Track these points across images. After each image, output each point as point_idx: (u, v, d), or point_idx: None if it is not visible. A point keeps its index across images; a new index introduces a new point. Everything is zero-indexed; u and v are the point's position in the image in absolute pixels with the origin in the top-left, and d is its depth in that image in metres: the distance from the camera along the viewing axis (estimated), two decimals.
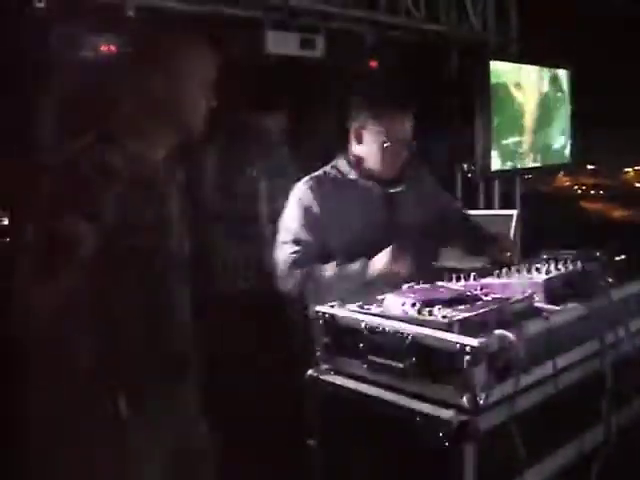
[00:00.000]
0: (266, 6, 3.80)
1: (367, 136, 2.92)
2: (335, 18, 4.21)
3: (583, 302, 2.35)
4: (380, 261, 2.68)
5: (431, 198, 3.14)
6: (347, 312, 2.20)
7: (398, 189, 2.99)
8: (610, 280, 2.52)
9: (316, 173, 3.01)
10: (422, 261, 2.77)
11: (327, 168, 3.02)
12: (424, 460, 1.98)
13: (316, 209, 2.86)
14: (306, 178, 2.98)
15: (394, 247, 2.68)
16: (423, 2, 5.01)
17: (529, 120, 5.63)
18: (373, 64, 4.41)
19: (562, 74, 6.07)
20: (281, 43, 3.72)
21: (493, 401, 1.95)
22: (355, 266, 2.72)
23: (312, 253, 2.80)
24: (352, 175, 2.95)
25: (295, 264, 2.78)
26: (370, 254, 2.73)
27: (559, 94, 6.03)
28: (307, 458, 2.28)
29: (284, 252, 2.82)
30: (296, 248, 2.81)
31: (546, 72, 5.84)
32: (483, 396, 1.91)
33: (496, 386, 1.95)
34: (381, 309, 2.16)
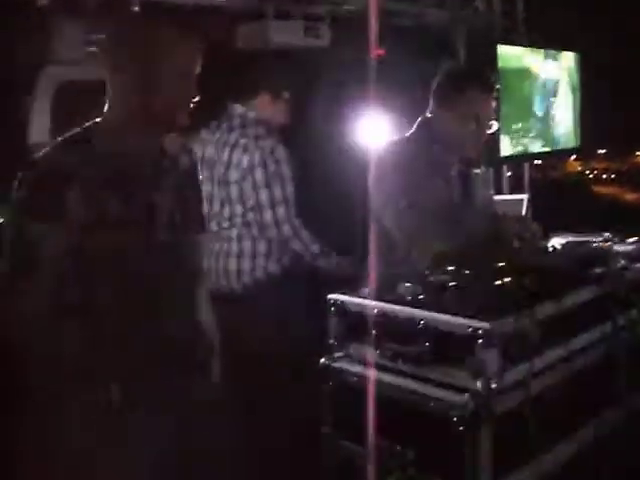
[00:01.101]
0: None
1: (452, 111, 2.86)
2: (339, 6, 4.18)
3: (597, 284, 2.34)
4: None
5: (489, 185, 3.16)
6: (359, 299, 2.19)
7: (474, 171, 2.99)
8: (623, 262, 2.52)
9: (400, 137, 2.97)
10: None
11: (407, 135, 2.96)
12: (439, 445, 1.98)
13: (414, 171, 2.76)
14: (398, 139, 2.95)
15: None
16: None
17: (538, 104, 5.59)
18: (380, 52, 4.39)
19: (571, 57, 6.03)
20: (285, 32, 3.71)
21: (507, 385, 1.94)
22: None
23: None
24: (434, 148, 2.87)
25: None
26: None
27: (568, 78, 5.99)
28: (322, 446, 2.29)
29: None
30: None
31: (554, 55, 5.80)
32: (497, 380, 1.90)
33: (510, 369, 1.95)
34: (393, 295, 2.16)
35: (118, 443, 1.96)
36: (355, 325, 2.17)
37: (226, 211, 3.37)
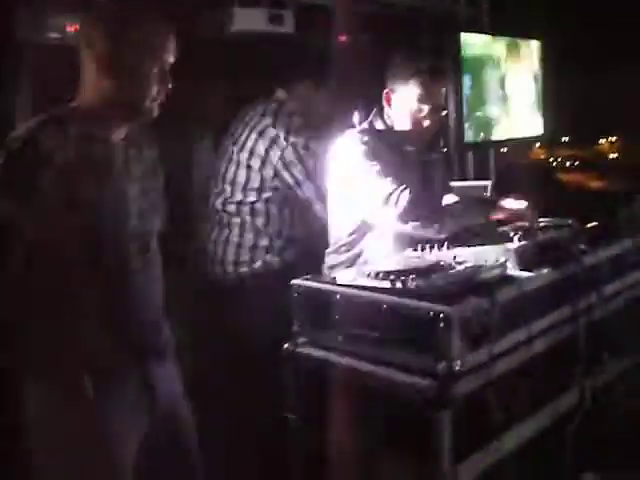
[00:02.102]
0: None
1: (399, 99, 2.88)
2: None
3: (555, 268, 2.38)
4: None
5: (446, 165, 3.18)
6: (322, 284, 2.21)
7: (432, 157, 3.00)
8: (582, 246, 2.55)
9: (360, 128, 2.96)
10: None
11: (365, 125, 2.97)
12: (403, 428, 2.00)
13: (378, 159, 2.78)
14: (355, 131, 2.93)
15: None
16: None
17: (501, 92, 5.63)
18: (343, 38, 4.40)
19: (534, 45, 6.08)
20: (248, 19, 3.70)
21: (468, 367, 1.97)
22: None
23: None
24: (390, 136, 2.90)
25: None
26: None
27: (531, 65, 6.04)
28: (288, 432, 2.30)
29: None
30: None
31: (518, 43, 5.85)
32: (458, 363, 1.93)
33: (471, 353, 1.98)
34: (356, 280, 2.17)
35: (89, 430, 1.96)
36: (318, 310, 2.19)
37: (236, 194, 3.35)
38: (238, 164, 3.34)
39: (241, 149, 3.34)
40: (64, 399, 1.94)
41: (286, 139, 3.27)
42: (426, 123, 2.89)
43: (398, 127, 2.92)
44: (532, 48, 6.07)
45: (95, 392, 1.94)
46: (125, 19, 2.02)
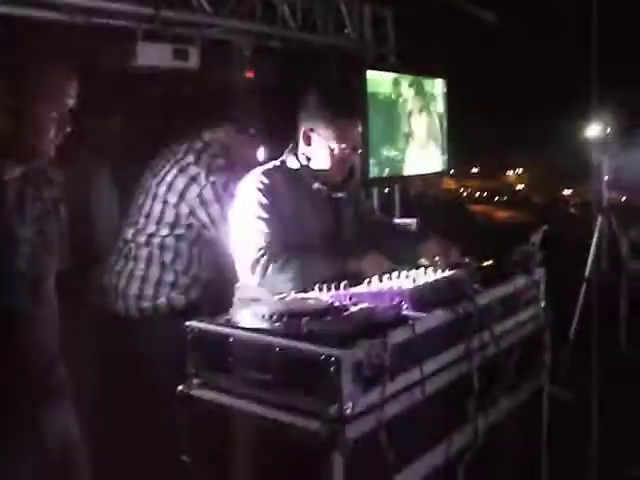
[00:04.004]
0: (138, 16, 3.75)
1: (318, 139, 2.89)
2: (210, 28, 4.20)
3: (449, 308, 2.42)
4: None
5: (361, 204, 3.21)
6: (214, 326, 2.19)
7: (343, 194, 3.03)
8: (476, 286, 2.61)
9: (267, 167, 2.96)
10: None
11: (276, 163, 2.98)
12: (297, 471, 2.00)
13: (272, 202, 2.81)
14: (259, 171, 2.93)
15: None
16: (300, 12, 5.06)
17: (407, 129, 5.75)
18: (250, 74, 4.43)
19: (439, 83, 6.24)
20: (153, 54, 3.69)
21: (361, 410, 1.98)
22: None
23: (276, 244, 2.77)
24: (301, 174, 2.92)
25: (265, 256, 2.73)
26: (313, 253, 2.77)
27: (436, 102, 6.19)
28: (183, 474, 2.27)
29: (253, 244, 2.77)
30: (264, 240, 2.76)
31: (422, 81, 5.99)
32: (350, 405, 1.94)
33: (363, 395, 1.99)
34: (249, 322, 2.17)
35: None
36: (212, 352, 2.17)
37: (149, 227, 3.32)
38: (155, 197, 3.32)
39: (160, 183, 3.33)
40: None
41: (206, 178, 3.27)
42: (343, 162, 2.93)
43: (314, 165, 2.94)
44: (437, 86, 6.23)
45: None
46: (23, 68, 1.98)
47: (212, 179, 3.28)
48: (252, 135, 3.46)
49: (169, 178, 3.31)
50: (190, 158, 3.33)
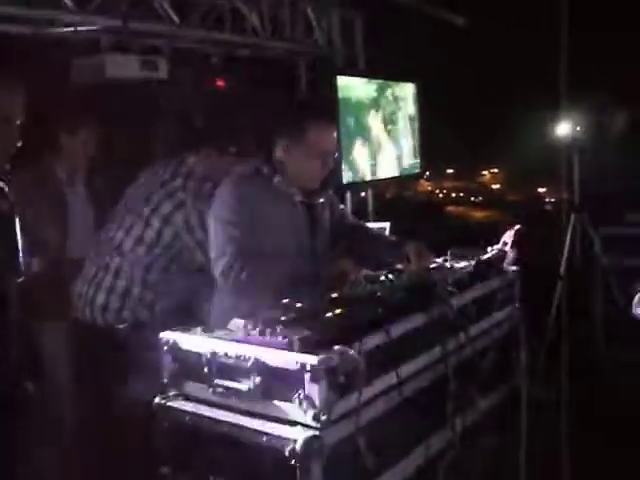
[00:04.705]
0: (105, 28, 3.74)
1: (295, 146, 2.89)
2: (178, 39, 4.19)
3: (424, 312, 2.43)
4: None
5: (336, 209, 3.21)
6: (190, 337, 2.19)
7: (319, 201, 3.03)
8: (451, 289, 2.62)
9: (244, 173, 2.96)
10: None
11: (252, 169, 2.96)
12: (275, 479, 2.00)
13: (248, 209, 2.82)
14: (235, 177, 2.93)
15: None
16: (268, 19, 5.06)
17: (378, 133, 5.77)
18: (220, 83, 4.43)
19: (409, 87, 6.26)
20: (121, 66, 3.68)
21: (337, 416, 1.99)
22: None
23: (250, 251, 2.77)
24: (276, 181, 2.91)
25: (238, 263, 2.74)
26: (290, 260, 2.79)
27: (407, 106, 6.21)
28: None
29: (228, 251, 2.78)
30: (237, 247, 2.76)
31: (393, 86, 6.01)
32: (326, 412, 1.95)
33: (339, 401, 1.99)
34: (224, 332, 2.17)
35: None
36: (187, 363, 2.17)
37: (127, 243, 3.31)
38: (139, 215, 3.31)
39: (144, 202, 3.32)
40: None
41: (193, 205, 3.27)
42: (320, 168, 2.93)
43: (290, 172, 2.93)
44: (408, 90, 6.25)
45: None
46: None
47: (199, 207, 3.26)
48: (234, 154, 3.45)
49: (155, 199, 3.31)
50: (178, 182, 3.32)
